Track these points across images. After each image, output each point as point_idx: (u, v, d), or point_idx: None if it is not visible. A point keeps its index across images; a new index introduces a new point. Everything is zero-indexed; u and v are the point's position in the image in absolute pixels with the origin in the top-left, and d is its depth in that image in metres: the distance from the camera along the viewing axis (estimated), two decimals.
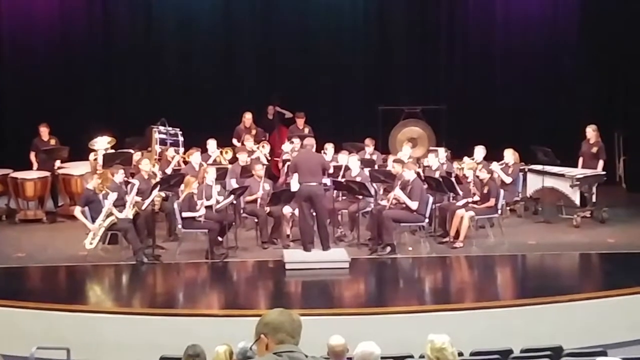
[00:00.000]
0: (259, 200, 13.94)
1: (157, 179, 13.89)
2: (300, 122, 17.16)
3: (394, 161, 14.23)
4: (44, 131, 15.80)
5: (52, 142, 15.87)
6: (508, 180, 14.87)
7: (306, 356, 4.32)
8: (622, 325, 10.99)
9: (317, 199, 13.05)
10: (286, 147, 15.82)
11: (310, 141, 13.72)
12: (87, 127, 16.00)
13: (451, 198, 14.30)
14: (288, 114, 17.81)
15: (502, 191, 14.13)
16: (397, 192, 13.39)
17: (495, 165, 14.87)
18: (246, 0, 18.72)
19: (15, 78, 17.67)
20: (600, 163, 15.47)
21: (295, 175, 13.29)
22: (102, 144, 15.02)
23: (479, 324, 10.70)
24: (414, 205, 13.24)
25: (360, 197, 13.71)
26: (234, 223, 13.71)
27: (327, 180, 13.74)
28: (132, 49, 18.36)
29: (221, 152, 15.67)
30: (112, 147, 15.14)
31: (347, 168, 14.44)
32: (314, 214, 13.13)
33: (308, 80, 18.75)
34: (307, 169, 13.03)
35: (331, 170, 14.08)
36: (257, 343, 4.33)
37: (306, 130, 16.81)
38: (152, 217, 13.44)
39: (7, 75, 17.72)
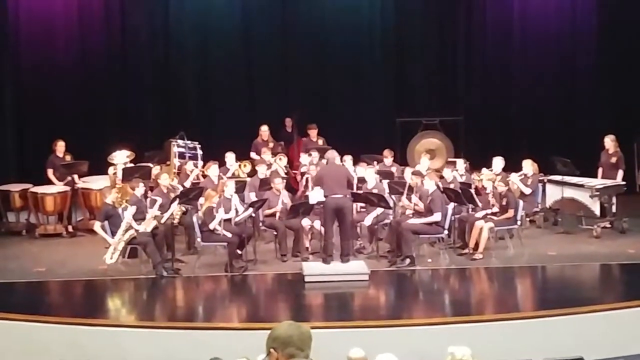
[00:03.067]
0: (277, 214, 13.96)
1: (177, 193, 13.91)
2: (313, 133, 17.16)
3: (413, 173, 14.22)
4: (60, 147, 15.82)
5: (68, 158, 15.90)
6: (527, 191, 14.84)
7: None
8: None
9: (344, 211, 13.05)
10: (304, 159, 15.82)
11: (333, 154, 13.70)
12: (106, 141, 16.09)
13: (470, 209, 14.27)
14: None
15: (521, 202, 14.11)
16: (416, 200, 13.45)
17: (514, 176, 14.85)
18: (264, 14, 18.74)
19: (34, 93, 17.74)
20: (620, 173, 15.42)
21: (317, 188, 13.29)
22: (121, 158, 15.06)
23: (500, 335, 10.65)
24: (436, 217, 13.24)
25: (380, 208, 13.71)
26: (253, 236, 13.72)
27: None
28: (150, 63, 18.44)
29: (239, 166, 15.70)
30: (131, 161, 15.18)
31: (362, 180, 14.41)
32: (335, 226, 13.13)
33: (325, 92, 18.79)
34: (332, 182, 13.02)
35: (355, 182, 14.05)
36: (268, 358, 4.35)
37: (320, 142, 16.82)
38: (171, 231, 13.48)
39: (26, 91, 17.80)
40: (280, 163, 15.97)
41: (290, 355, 4.28)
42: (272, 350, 4.32)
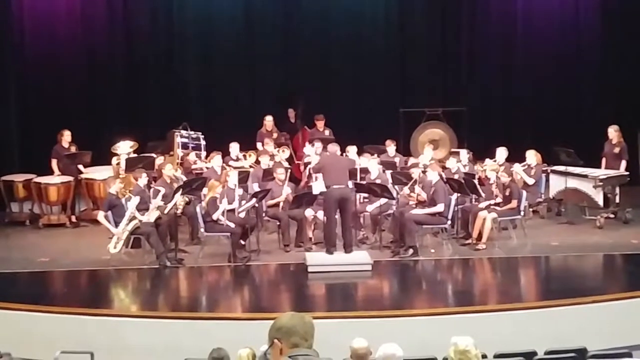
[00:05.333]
0: (281, 204, 13.95)
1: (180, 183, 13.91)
2: (320, 124, 17.11)
3: (411, 166, 14.25)
4: (66, 136, 15.82)
5: (72, 148, 15.90)
6: (530, 181, 14.82)
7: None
8: None
9: (347, 202, 13.05)
10: (308, 150, 15.80)
11: (336, 147, 13.73)
12: (109, 131, 16.12)
13: (473, 200, 14.27)
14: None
15: (524, 192, 14.09)
16: (419, 190, 13.43)
17: (517, 167, 14.83)
18: (267, 5, 18.72)
19: (38, 84, 17.73)
20: (623, 163, 15.39)
21: (320, 179, 13.30)
22: (124, 148, 15.07)
23: (503, 326, 10.66)
24: (439, 207, 13.24)
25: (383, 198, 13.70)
26: (256, 226, 13.73)
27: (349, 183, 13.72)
28: (153, 53, 18.41)
29: (244, 156, 15.70)
30: (134, 152, 15.18)
31: (365, 170, 14.39)
32: (337, 217, 13.11)
33: (329, 83, 18.76)
34: (335, 172, 13.01)
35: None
36: (272, 348, 4.35)
37: (327, 133, 16.78)
38: (174, 221, 13.48)
39: (30, 81, 17.78)
40: (283, 155, 15.93)
41: (294, 345, 4.29)
42: (275, 340, 4.33)
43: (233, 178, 13.65)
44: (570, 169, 15.26)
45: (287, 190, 14.09)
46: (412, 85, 19.03)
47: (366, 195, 14.31)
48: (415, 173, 13.76)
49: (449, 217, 13.50)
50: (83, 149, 15.98)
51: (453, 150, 16.79)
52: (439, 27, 19.09)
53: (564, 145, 15.69)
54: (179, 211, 13.63)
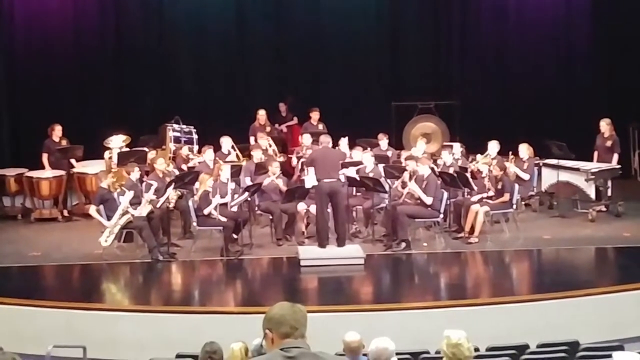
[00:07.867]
0: (273, 196, 13.92)
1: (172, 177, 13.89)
2: (315, 116, 17.04)
3: (406, 158, 14.22)
4: (57, 131, 15.78)
5: (63, 142, 15.86)
6: (526, 177, 14.81)
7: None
8: (638, 320, 10.93)
9: (338, 195, 13.01)
10: (306, 139, 15.73)
11: (327, 139, 13.69)
12: (102, 125, 16.06)
13: (466, 193, 14.28)
14: (293, 122, 17.85)
15: (516, 186, 14.10)
16: (412, 186, 13.38)
17: (511, 165, 14.79)
18: None
19: (30, 78, 17.70)
20: (615, 157, 15.40)
21: (311, 173, 13.27)
22: (116, 142, 15.04)
23: (495, 319, 10.67)
24: (428, 200, 13.22)
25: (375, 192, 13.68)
26: (248, 220, 13.71)
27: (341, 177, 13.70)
28: (145, 47, 18.38)
29: (237, 156, 15.65)
30: (126, 146, 15.16)
31: (357, 164, 14.35)
32: (330, 211, 13.10)
33: (321, 77, 18.76)
34: (326, 165, 12.97)
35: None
36: (264, 339, 4.37)
37: (320, 127, 16.74)
38: (167, 215, 13.46)
39: (21, 75, 17.76)
40: (277, 149, 15.90)
41: (285, 334, 4.28)
42: (267, 331, 4.34)
43: (226, 172, 13.64)
44: (562, 162, 15.27)
45: (277, 182, 14.03)
46: (404, 79, 19.03)
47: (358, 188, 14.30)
48: (410, 166, 13.74)
49: (442, 210, 13.50)
50: (75, 143, 15.95)
51: (445, 143, 16.79)
52: (431, 21, 19.09)
53: (556, 138, 15.69)
54: (171, 205, 13.61)
